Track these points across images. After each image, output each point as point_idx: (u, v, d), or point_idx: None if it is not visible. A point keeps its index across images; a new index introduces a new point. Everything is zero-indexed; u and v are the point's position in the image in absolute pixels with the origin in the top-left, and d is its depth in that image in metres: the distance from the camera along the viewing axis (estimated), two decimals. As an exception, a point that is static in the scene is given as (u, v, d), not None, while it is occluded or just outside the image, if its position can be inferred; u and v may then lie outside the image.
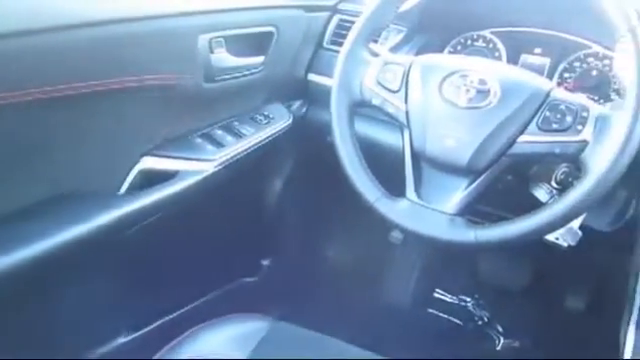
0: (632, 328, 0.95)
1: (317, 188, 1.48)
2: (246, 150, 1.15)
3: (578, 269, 1.35)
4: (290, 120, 1.27)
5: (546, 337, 1.49)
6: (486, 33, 1.22)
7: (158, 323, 1.25)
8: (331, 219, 1.61)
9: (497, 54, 1.20)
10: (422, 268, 1.63)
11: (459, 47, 1.24)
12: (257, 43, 1.18)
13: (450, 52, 1.24)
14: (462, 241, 0.85)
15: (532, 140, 0.83)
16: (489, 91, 0.86)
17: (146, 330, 1.23)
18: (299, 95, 1.34)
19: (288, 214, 1.52)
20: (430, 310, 1.65)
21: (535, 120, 0.83)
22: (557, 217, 0.80)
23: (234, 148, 1.13)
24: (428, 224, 0.88)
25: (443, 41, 1.25)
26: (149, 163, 1.05)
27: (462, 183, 0.87)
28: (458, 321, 1.63)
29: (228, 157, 1.11)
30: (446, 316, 1.64)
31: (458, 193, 0.87)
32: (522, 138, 0.83)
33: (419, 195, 0.90)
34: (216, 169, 1.09)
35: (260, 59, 1.18)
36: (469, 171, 0.86)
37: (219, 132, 1.15)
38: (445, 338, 1.58)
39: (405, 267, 1.61)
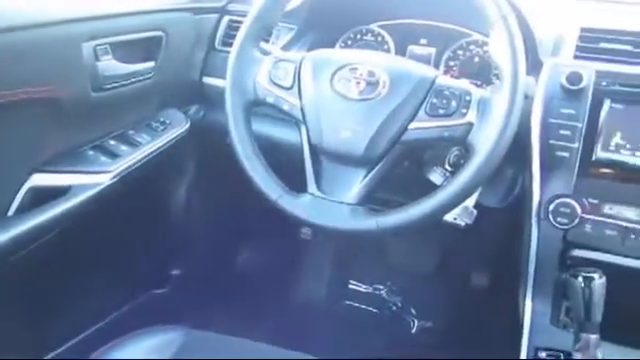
0: (529, 298, 1.02)
1: (222, 192, 1.46)
2: (143, 159, 1.12)
3: (479, 247, 1.42)
4: (187, 125, 1.25)
5: (456, 315, 1.56)
6: (374, 27, 1.25)
7: (68, 345, 1.20)
8: (240, 221, 1.59)
9: (386, 46, 1.24)
10: (335, 261, 1.66)
11: (349, 42, 1.27)
12: (146, 48, 1.15)
13: (341, 47, 1.26)
14: (364, 229, 0.87)
15: (422, 126, 0.86)
16: (378, 82, 0.88)
17: (56, 353, 1.17)
18: (195, 99, 1.32)
19: (195, 221, 1.49)
20: (347, 302, 1.68)
21: (423, 107, 0.86)
22: (451, 197, 0.83)
23: (130, 158, 1.10)
24: (330, 216, 0.89)
25: (334, 37, 1.27)
26: (39, 180, 1.00)
27: (360, 173, 0.89)
28: (374, 309, 1.67)
29: (124, 168, 1.07)
30: (362, 306, 1.68)
31: (357, 183, 0.89)
32: (413, 125, 0.86)
33: (320, 189, 0.91)
34: (112, 181, 1.05)
35: (150, 65, 1.15)
36: (366, 161, 0.88)
37: (113, 142, 1.11)
38: (362, 327, 1.61)
39: (318, 262, 1.64)
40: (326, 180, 0.92)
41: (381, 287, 1.69)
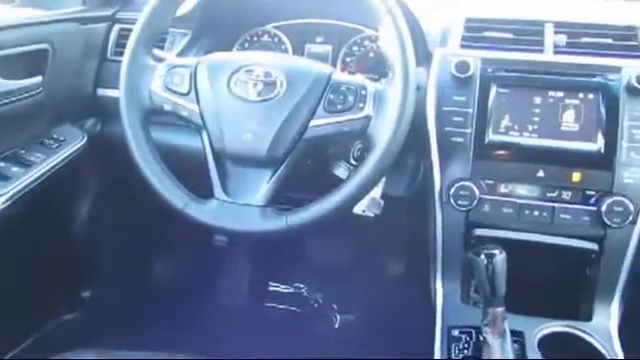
0: (439, 280, 1.06)
1: (130, 206, 1.42)
2: (38, 179, 1.07)
3: (391, 236, 1.46)
4: (84, 140, 1.20)
5: (376, 306, 1.60)
6: (269, 28, 1.26)
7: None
8: (151, 234, 1.55)
9: (283, 47, 1.24)
10: (253, 265, 1.65)
11: (246, 44, 1.26)
12: (32, 63, 1.09)
13: (238, 50, 1.26)
14: (275, 229, 0.88)
15: (322, 123, 0.87)
16: (275, 82, 0.89)
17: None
18: (91, 112, 1.26)
19: (103, 238, 1.44)
20: (268, 304, 1.67)
21: (322, 104, 0.87)
22: (356, 190, 0.85)
23: (23, 179, 1.04)
24: (240, 219, 0.89)
25: (230, 40, 1.26)
26: None
27: (266, 174, 0.90)
28: (296, 308, 1.67)
29: (17, 190, 1.02)
30: (284, 306, 1.68)
31: (264, 184, 0.89)
32: (313, 122, 0.87)
33: (227, 193, 0.90)
34: (5, 205, 0.99)
35: (38, 79, 1.09)
36: (270, 161, 0.89)
37: (2, 164, 1.05)
38: (285, 328, 1.61)
39: (235, 268, 1.62)
40: (232, 184, 0.91)
41: (301, 285, 1.70)
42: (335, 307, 1.66)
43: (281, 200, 0.92)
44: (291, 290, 1.70)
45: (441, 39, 1.09)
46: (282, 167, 0.89)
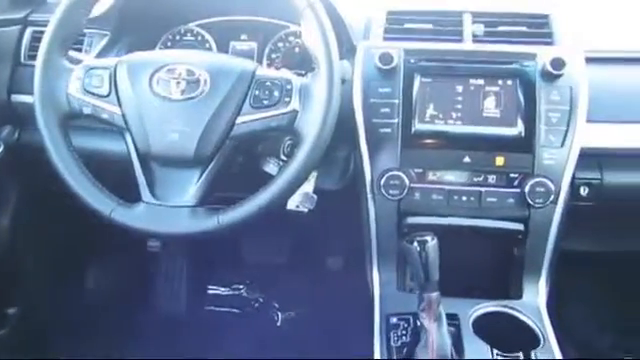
0: (375, 270, 1.08)
1: (54, 216, 1.36)
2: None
3: (327, 230, 1.47)
4: (0, 149, 1.13)
5: (316, 300, 1.60)
6: (192, 26, 1.23)
7: None
8: (80, 244, 1.49)
9: (207, 45, 1.23)
10: (190, 269, 1.62)
11: (169, 43, 1.24)
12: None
13: (161, 49, 1.23)
14: (206, 229, 0.86)
15: (249, 119, 0.87)
16: (199, 80, 0.87)
17: None
18: (6, 120, 1.20)
19: (28, 251, 1.37)
20: (207, 308, 1.65)
21: (247, 100, 0.87)
22: (286, 185, 0.85)
23: None
24: (170, 222, 0.87)
25: (152, 40, 1.23)
26: None
27: (195, 174, 0.88)
28: (236, 310, 1.66)
29: None
30: (224, 309, 1.66)
31: (192, 185, 0.88)
32: (240, 119, 0.86)
33: (155, 195, 0.88)
34: None
35: (-58, 87, 1.03)
36: (198, 161, 0.87)
37: None
38: (227, 330, 1.59)
39: (171, 273, 1.59)
40: (160, 186, 0.89)
41: (241, 286, 1.69)
42: (276, 305, 1.66)
43: (213, 200, 0.91)
44: (230, 292, 1.68)
45: (364, 32, 1.10)
46: (211, 166, 0.88)
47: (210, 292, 1.67)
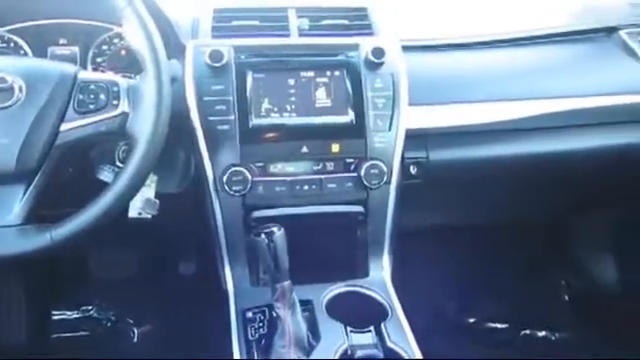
0: (227, 267, 1.07)
1: None
2: None
3: (176, 236, 1.43)
4: None
5: (172, 309, 1.56)
6: (3, 32, 1.13)
7: None
8: None
9: (22, 51, 1.13)
10: (28, 295, 1.50)
11: (-23, 52, 1.12)
12: None
13: (-32, 59, 1.11)
14: (39, 247, 0.80)
15: (75, 125, 0.82)
16: (13, 88, 0.80)
17: None
18: None
19: None
20: (54, 335, 1.53)
21: (71, 105, 0.82)
22: (122, 191, 0.81)
23: None
24: None
25: (-45, 49, 1.11)
26: None
27: (19, 189, 0.81)
28: (86, 332, 1.56)
29: None
30: (73, 334, 1.55)
31: (18, 202, 0.81)
32: (64, 126, 0.82)
33: None
34: None
35: None
36: (21, 175, 0.81)
37: None
38: (79, 357, 1.49)
39: (7, 302, 1.45)
40: None
41: (90, 307, 1.59)
42: (131, 321, 1.59)
43: (45, 216, 0.84)
44: (79, 314, 1.58)
45: (192, 31, 1.09)
46: (37, 179, 0.81)
47: (55, 318, 1.55)
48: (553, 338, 1.67)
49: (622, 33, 1.28)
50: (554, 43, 1.28)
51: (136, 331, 1.58)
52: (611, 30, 1.29)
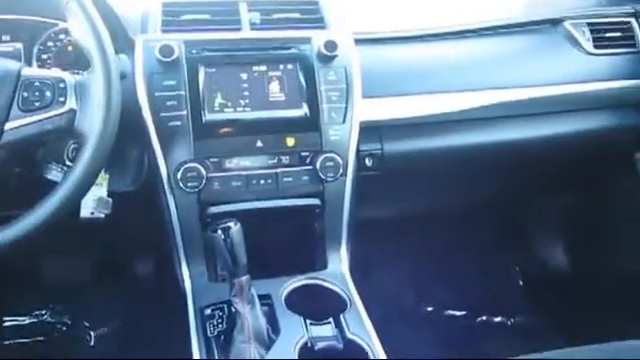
0: (184, 265, 1.06)
1: None
2: None
3: (131, 234, 1.40)
4: None
5: (128, 310, 1.53)
6: (-64, 31, 1.09)
7: None
8: None
9: (-39, 50, 1.09)
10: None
11: None
12: None
13: None
14: None
15: (19, 124, 0.79)
16: None
17: None
18: None
19: None
20: (5, 342, 1.48)
21: (15, 103, 0.79)
22: (72, 190, 0.79)
23: None
24: None
25: None
26: None
27: None
28: (42, 338, 1.52)
29: None
30: (26, 340, 1.51)
31: (-41, 205, 0.78)
32: (8, 125, 0.79)
33: None
34: None
35: None
36: None
37: None
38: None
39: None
40: None
41: (43, 312, 1.54)
42: (87, 324, 1.55)
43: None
44: (31, 320, 1.53)
45: (141, 25, 1.07)
46: (-19, 180, 0.79)
47: (7, 324, 1.50)
48: (509, 323, 1.71)
49: (566, 24, 1.31)
50: (501, 35, 1.31)
51: (93, 334, 1.54)
52: (556, 22, 1.32)
